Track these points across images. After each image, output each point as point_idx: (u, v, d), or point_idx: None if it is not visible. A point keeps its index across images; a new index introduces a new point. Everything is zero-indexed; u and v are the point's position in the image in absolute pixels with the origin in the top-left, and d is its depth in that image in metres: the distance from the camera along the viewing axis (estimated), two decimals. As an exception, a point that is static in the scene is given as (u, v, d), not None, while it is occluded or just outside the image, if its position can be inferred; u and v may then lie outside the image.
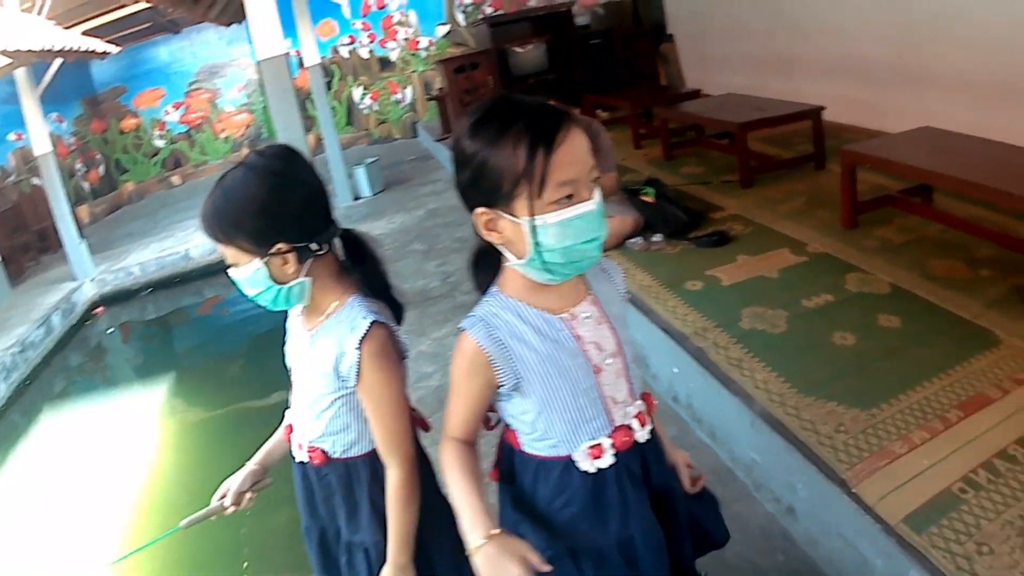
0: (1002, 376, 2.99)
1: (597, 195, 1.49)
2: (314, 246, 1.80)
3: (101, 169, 15.98)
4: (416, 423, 2.12)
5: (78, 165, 15.29)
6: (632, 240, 4.95)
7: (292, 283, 1.81)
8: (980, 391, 2.92)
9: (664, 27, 9.51)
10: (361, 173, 10.69)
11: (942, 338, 3.33)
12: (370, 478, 2.00)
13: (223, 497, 2.11)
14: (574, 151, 1.45)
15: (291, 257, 1.77)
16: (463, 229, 7.69)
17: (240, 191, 1.76)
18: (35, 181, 13.31)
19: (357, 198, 10.73)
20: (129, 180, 16.34)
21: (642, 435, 1.75)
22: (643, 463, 1.77)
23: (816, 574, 2.74)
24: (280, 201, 1.76)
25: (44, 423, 8.70)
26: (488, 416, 1.79)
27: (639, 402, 1.78)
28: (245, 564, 4.99)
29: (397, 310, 1.97)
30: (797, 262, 4.32)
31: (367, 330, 1.79)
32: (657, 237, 4.92)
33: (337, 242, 1.90)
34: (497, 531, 1.52)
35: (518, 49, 10.29)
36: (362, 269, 1.91)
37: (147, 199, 16.33)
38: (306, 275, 1.82)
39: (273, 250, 1.76)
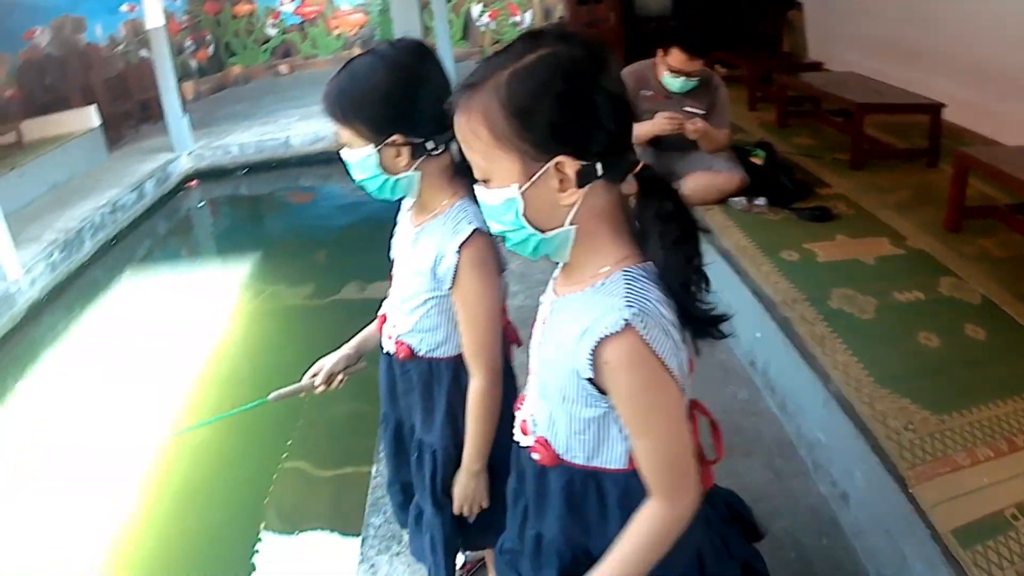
0: (1076, 412, 2.95)
1: (488, 192, 1.38)
2: (430, 145, 1.81)
3: (210, 49, 16.26)
4: (509, 337, 2.14)
5: (188, 42, 15.57)
6: (736, 199, 4.94)
7: (400, 175, 1.83)
8: (1051, 422, 2.89)
9: (795, -8, 9.33)
10: (471, 90, 10.61)
11: None
12: (451, 381, 2.03)
13: (315, 376, 2.16)
14: (459, 135, 1.38)
15: (405, 151, 1.80)
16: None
17: (366, 77, 1.79)
18: (143, 53, 13.58)
19: (468, 113, 10.70)
20: (237, 63, 16.58)
21: (525, 441, 1.65)
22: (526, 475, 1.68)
23: (855, 565, 2.79)
24: (403, 94, 1.77)
25: (125, 283, 8.96)
26: None
27: (530, 436, 1.64)
28: (285, 455, 5.16)
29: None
30: (894, 253, 4.28)
31: (468, 235, 1.79)
32: (760, 201, 4.91)
33: (454, 145, 1.82)
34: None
35: (645, -10, 10.15)
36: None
37: (253, 84, 16.53)
38: (416, 170, 1.84)
39: (388, 140, 1.78)
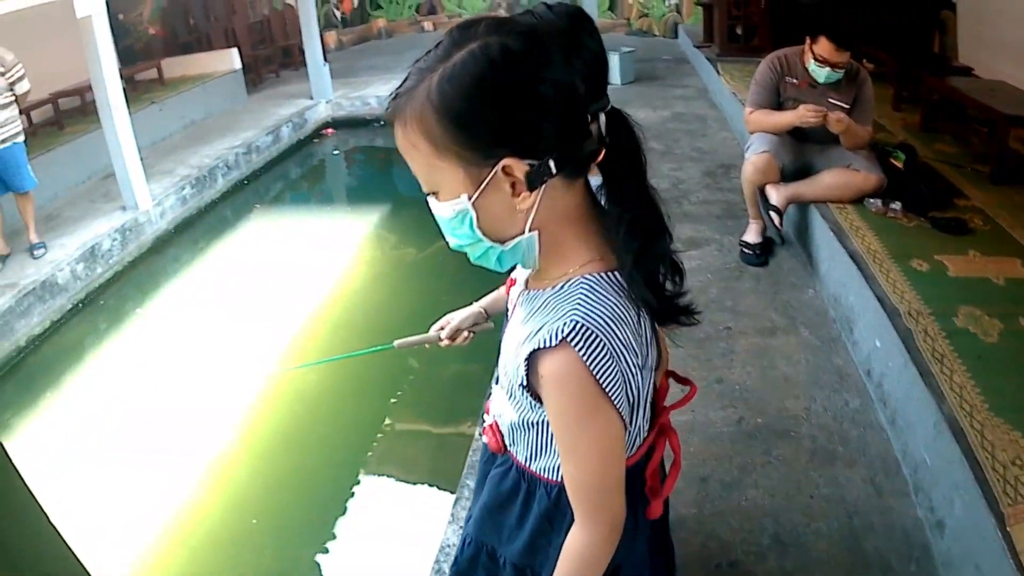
0: None
1: (438, 204, 1.25)
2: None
3: (355, 1, 16.41)
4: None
5: (334, -7, 15.76)
6: (871, 200, 4.78)
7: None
8: None
9: (950, -8, 8.96)
10: (615, 60, 10.64)
11: None
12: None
13: (441, 328, 2.06)
14: (399, 147, 1.24)
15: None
16: (705, 141, 7.66)
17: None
18: (288, 1, 13.77)
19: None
20: (381, 17, 16.74)
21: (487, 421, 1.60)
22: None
23: (939, 597, 2.68)
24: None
25: (252, 223, 9.18)
26: None
27: (489, 417, 1.60)
28: (393, 404, 5.24)
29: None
30: (1026, 277, 4.07)
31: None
32: (896, 205, 4.73)
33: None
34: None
35: (797, -25, 9.86)
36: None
37: (396, 38, 16.72)
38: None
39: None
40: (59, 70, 9.59)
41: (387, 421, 5.09)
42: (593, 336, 1.17)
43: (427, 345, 2.08)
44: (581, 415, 1.22)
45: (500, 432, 1.53)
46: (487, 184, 1.18)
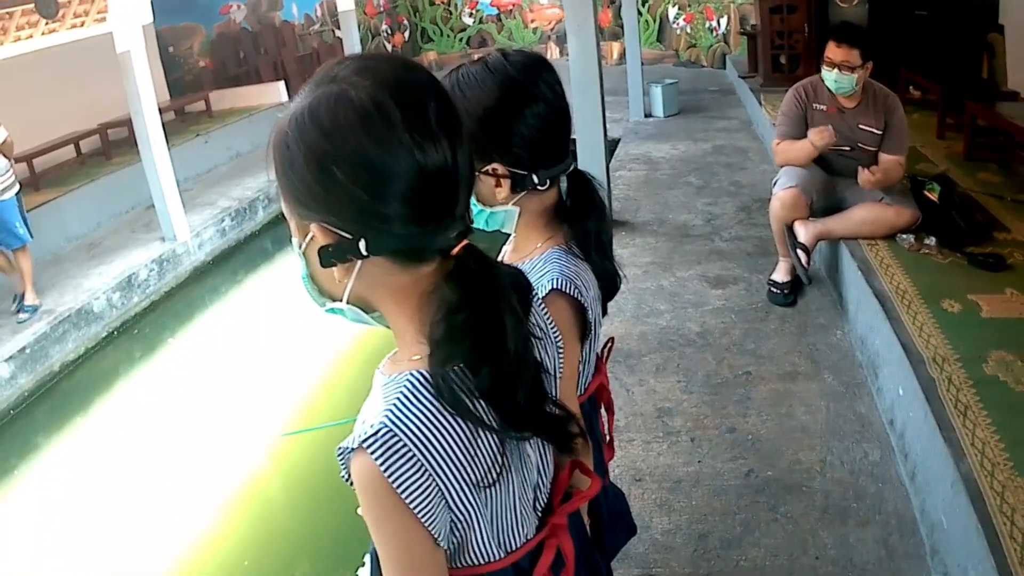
0: None
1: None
2: (535, 178, 1.57)
3: (406, 34, 16.61)
4: (602, 400, 1.96)
5: (384, 26, 15.97)
6: (904, 236, 4.56)
7: (498, 209, 1.60)
8: None
9: (997, 15, 8.68)
10: (657, 92, 10.54)
11: None
12: None
13: None
14: None
15: (505, 183, 1.56)
16: (744, 174, 7.46)
17: (469, 91, 1.55)
18: (339, 33, 13.91)
19: (648, 116, 10.61)
20: (432, 50, 16.91)
21: None
22: None
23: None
24: (509, 116, 1.53)
25: (289, 256, 9.15)
26: None
27: None
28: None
29: (610, 280, 1.71)
30: (1065, 318, 3.81)
31: (544, 295, 1.51)
32: (930, 240, 4.52)
33: (564, 182, 1.65)
34: None
35: (841, 3, 9.68)
36: (581, 223, 1.64)
37: (446, 70, 16.81)
38: (515, 206, 1.59)
39: (486, 167, 1.55)
40: (108, 101, 9.75)
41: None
42: (396, 443, 1.05)
43: None
44: (380, 524, 1.10)
45: None
46: (309, 240, 1.08)
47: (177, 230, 8.07)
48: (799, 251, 4.60)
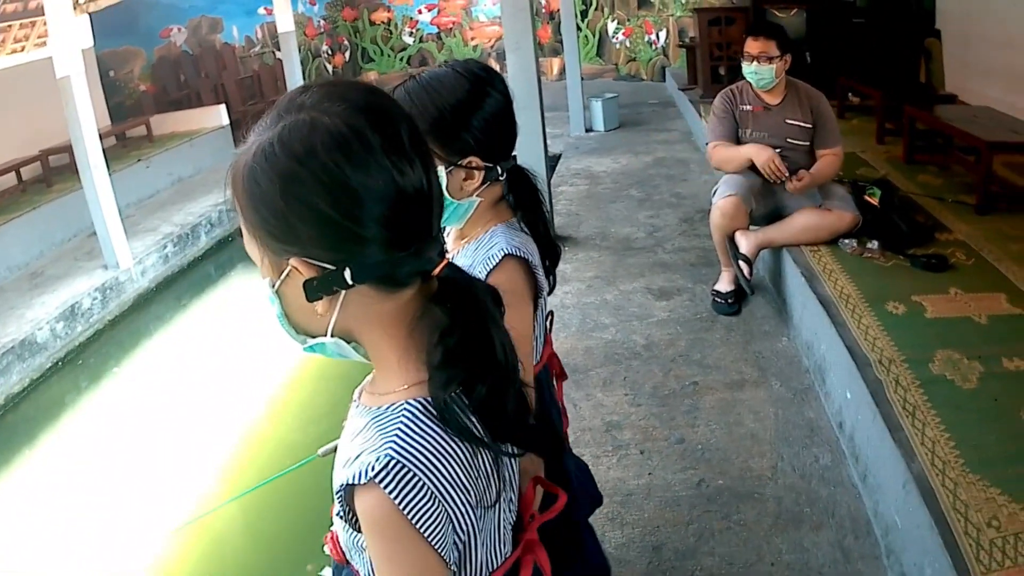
0: None
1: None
2: (499, 169, 1.72)
3: (347, 55, 16.56)
4: (553, 369, 2.11)
5: (324, 47, 15.97)
6: (846, 241, 4.60)
7: (463, 201, 1.69)
8: None
9: (933, 20, 8.84)
10: (597, 107, 10.62)
11: None
12: None
13: None
14: None
15: (478, 175, 1.68)
16: (686, 185, 7.52)
17: (445, 92, 1.66)
18: (279, 55, 13.85)
19: (589, 130, 10.66)
20: (373, 70, 16.83)
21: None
22: None
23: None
24: (482, 114, 1.67)
25: (236, 279, 9.12)
26: None
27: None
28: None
29: (552, 253, 1.87)
30: (1011, 313, 3.83)
31: (498, 262, 1.67)
32: (873, 244, 4.56)
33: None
34: None
35: (778, 13, 9.79)
36: (523, 207, 1.79)
37: (387, 89, 16.77)
38: (479, 196, 1.71)
39: (464, 161, 1.65)
40: (50, 128, 9.58)
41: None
42: (408, 475, 1.02)
43: None
44: (394, 558, 1.07)
45: (340, 545, 1.35)
46: (285, 277, 1.07)
47: (120, 257, 7.93)
48: (741, 263, 4.63)
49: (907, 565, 2.69)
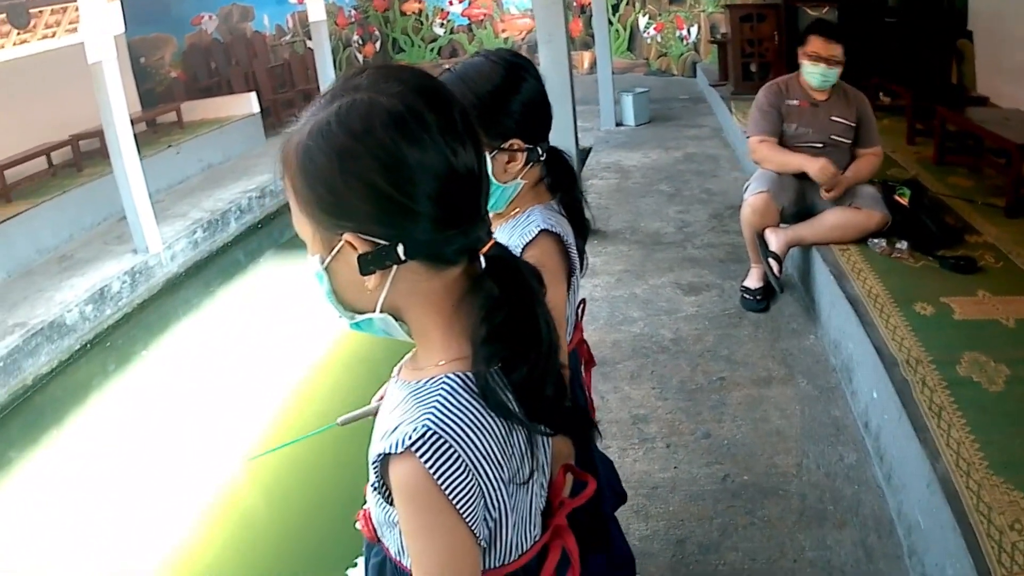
0: None
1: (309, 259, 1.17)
2: (540, 150, 1.77)
3: (377, 45, 16.61)
4: (582, 356, 2.13)
5: (355, 37, 16.04)
6: (875, 240, 4.59)
7: (508, 184, 1.74)
8: None
9: (965, 20, 8.77)
10: (628, 101, 10.58)
11: None
12: None
13: (382, 398, 2.01)
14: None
15: (521, 156, 1.72)
16: (716, 182, 7.49)
17: (484, 80, 1.71)
18: (310, 44, 13.91)
19: (619, 124, 10.63)
20: (403, 60, 16.85)
21: None
22: None
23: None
24: (520, 98, 1.72)
25: (264, 266, 9.16)
26: None
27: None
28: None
29: (583, 233, 1.91)
30: (1038, 317, 3.83)
31: (533, 237, 1.72)
32: (902, 244, 4.55)
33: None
34: None
35: (810, 11, 9.74)
36: (561, 188, 1.86)
37: (419, 81, 16.88)
38: (523, 179, 1.76)
39: (506, 144, 1.70)
40: (80, 113, 9.67)
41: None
42: (444, 445, 1.05)
43: (372, 417, 1.98)
44: (425, 529, 1.09)
45: (372, 522, 1.38)
46: (336, 253, 1.09)
47: (149, 242, 8.01)
48: (771, 261, 4.62)
49: (929, 566, 2.70)
